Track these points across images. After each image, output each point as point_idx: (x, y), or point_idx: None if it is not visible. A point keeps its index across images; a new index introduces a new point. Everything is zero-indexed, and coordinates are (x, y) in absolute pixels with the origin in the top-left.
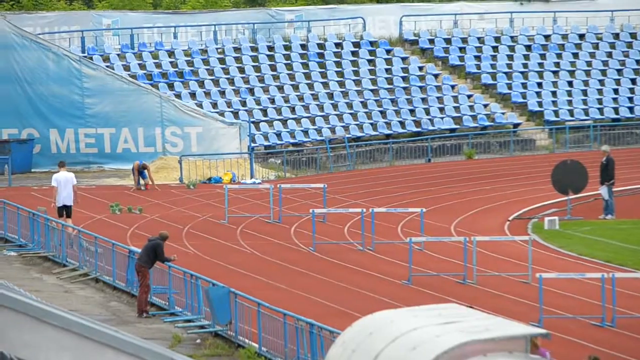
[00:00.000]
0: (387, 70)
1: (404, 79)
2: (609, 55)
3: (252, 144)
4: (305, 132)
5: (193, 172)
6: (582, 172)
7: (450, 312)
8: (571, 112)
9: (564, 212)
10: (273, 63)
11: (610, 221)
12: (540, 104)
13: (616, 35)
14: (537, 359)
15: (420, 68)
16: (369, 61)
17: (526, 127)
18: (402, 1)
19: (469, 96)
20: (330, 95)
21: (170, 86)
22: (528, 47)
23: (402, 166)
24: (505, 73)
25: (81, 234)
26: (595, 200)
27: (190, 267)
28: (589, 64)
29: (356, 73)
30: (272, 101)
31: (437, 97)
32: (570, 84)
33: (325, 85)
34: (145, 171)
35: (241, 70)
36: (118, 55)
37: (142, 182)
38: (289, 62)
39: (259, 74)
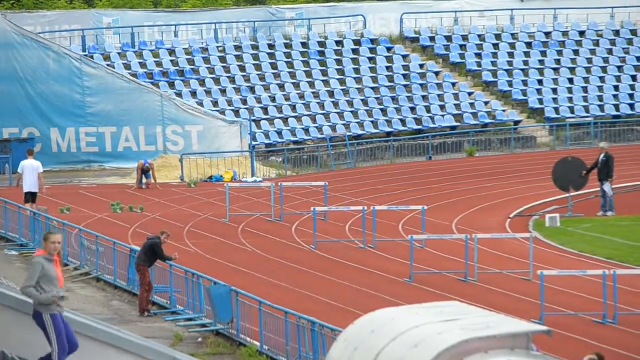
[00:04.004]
0: (387, 67)
1: (405, 76)
2: (609, 52)
3: (253, 142)
4: (306, 130)
5: (194, 171)
6: (583, 169)
7: (452, 310)
8: (571, 109)
9: (564, 209)
10: (274, 61)
11: (611, 218)
12: (540, 101)
13: (616, 32)
14: (539, 355)
15: (421, 65)
16: (370, 59)
17: (527, 124)
18: None
19: (470, 93)
20: (331, 93)
21: (171, 84)
22: (528, 44)
23: (403, 164)
24: (506, 70)
25: (82, 233)
26: (596, 197)
27: (192, 266)
28: (589, 60)
29: (357, 71)
30: (273, 99)
31: (438, 95)
32: (570, 80)
33: (326, 83)
34: (149, 172)
35: (242, 68)
36: (119, 53)
37: (144, 180)
38: (290, 60)
39: (259, 72)
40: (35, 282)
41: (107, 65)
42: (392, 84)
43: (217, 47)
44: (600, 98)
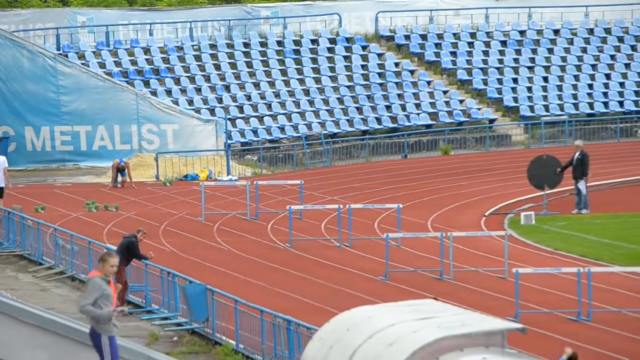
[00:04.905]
0: (363, 66)
1: (380, 75)
2: (584, 50)
3: (229, 141)
4: (282, 129)
5: (169, 169)
6: (557, 167)
7: (427, 308)
8: (546, 108)
9: (540, 207)
10: (249, 60)
11: (585, 216)
12: (515, 99)
13: (590, 31)
14: (514, 353)
15: (396, 64)
16: (345, 57)
17: (502, 123)
18: None
19: (445, 92)
20: (307, 92)
21: (146, 83)
22: (503, 43)
23: (379, 162)
24: (481, 69)
25: (57, 232)
26: (570, 195)
27: (167, 265)
28: (563, 59)
29: (332, 69)
30: (249, 98)
31: (413, 93)
32: (545, 79)
33: (302, 81)
34: (125, 170)
35: (217, 67)
36: (93, 52)
37: (119, 179)
38: (265, 58)
39: (235, 71)
40: (93, 301)
41: (82, 64)
42: (367, 82)
43: (193, 45)
44: (575, 96)
